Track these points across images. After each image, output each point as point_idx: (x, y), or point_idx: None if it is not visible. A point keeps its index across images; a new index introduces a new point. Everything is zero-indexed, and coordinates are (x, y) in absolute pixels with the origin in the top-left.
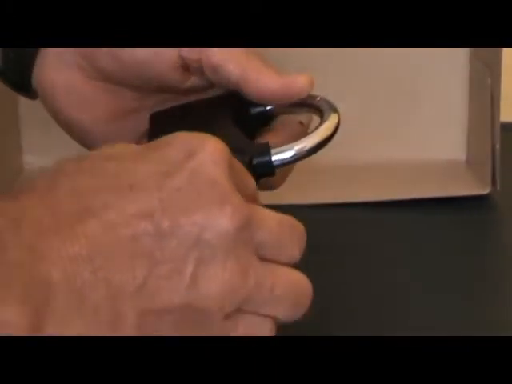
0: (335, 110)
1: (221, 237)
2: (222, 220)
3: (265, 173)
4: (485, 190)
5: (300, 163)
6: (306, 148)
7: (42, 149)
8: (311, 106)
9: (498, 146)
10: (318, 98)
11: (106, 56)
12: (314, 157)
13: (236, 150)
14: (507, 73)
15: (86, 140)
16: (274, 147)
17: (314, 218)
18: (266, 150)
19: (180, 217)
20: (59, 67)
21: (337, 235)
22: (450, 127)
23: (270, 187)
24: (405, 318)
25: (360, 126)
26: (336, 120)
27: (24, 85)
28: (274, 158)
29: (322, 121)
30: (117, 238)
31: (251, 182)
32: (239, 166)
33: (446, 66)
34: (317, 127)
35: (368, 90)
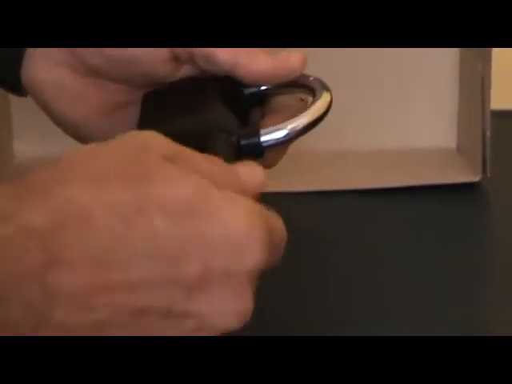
0: (327, 89)
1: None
2: (231, 324)
3: (254, 154)
4: (475, 178)
5: (292, 150)
6: (299, 127)
7: (33, 136)
8: (304, 85)
9: (488, 133)
10: (311, 78)
11: (94, 53)
12: (305, 144)
13: (224, 131)
14: (497, 59)
15: (78, 134)
16: (267, 127)
17: (304, 205)
18: (255, 132)
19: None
20: (47, 65)
21: (326, 223)
22: (441, 114)
23: (264, 166)
24: (395, 303)
25: (350, 114)
26: (328, 98)
27: (13, 83)
28: (265, 138)
29: (315, 99)
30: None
31: (280, 233)
32: (275, 229)
33: (436, 53)
34: (309, 106)
35: (357, 78)
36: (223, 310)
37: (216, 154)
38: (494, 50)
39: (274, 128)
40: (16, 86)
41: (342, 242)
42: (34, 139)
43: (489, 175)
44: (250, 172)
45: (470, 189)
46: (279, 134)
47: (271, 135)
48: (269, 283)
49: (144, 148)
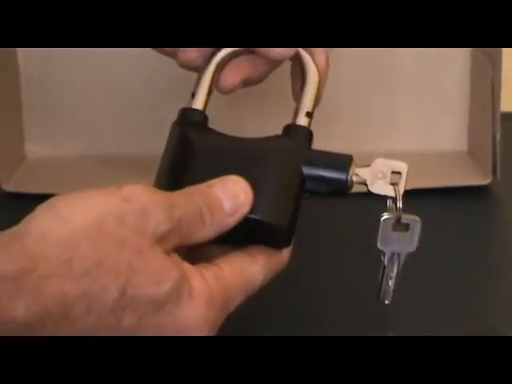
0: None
1: None
2: None
3: None
4: (485, 181)
5: None
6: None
7: (43, 137)
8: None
9: (498, 136)
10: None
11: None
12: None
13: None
14: (507, 63)
15: None
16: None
17: (315, 207)
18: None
19: None
20: None
21: (337, 225)
22: (452, 117)
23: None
24: (405, 308)
25: (361, 117)
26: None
27: None
28: None
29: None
30: None
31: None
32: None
33: (447, 57)
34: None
35: (369, 81)
36: None
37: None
38: (504, 54)
39: None
40: None
41: (352, 244)
42: (44, 140)
43: (499, 178)
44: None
45: (480, 191)
46: None
47: None
48: (276, 285)
49: (138, 227)
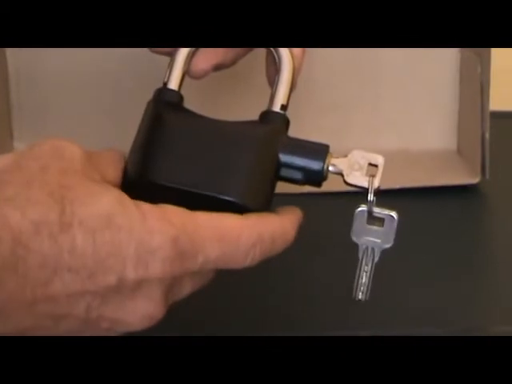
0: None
1: None
2: (140, 326)
3: None
4: (474, 180)
5: None
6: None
7: (32, 137)
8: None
9: (487, 136)
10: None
11: None
12: None
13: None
14: (496, 62)
15: None
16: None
17: (304, 206)
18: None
19: None
20: None
21: (325, 224)
22: (441, 116)
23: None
24: (393, 305)
25: (350, 116)
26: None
27: None
28: None
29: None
30: None
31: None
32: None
33: (437, 55)
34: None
35: (358, 80)
36: (133, 314)
37: None
38: (493, 52)
39: None
40: None
41: (340, 243)
42: (33, 140)
43: (488, 177)
44: None
45: (469, 190)
46: None
47: None
48: (270, 283)
49: (56, 155)
